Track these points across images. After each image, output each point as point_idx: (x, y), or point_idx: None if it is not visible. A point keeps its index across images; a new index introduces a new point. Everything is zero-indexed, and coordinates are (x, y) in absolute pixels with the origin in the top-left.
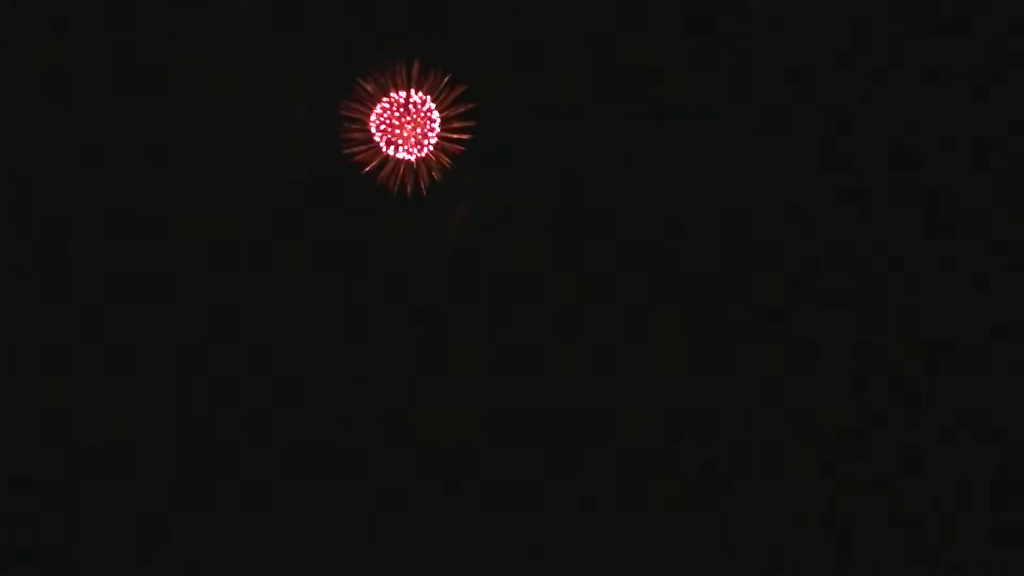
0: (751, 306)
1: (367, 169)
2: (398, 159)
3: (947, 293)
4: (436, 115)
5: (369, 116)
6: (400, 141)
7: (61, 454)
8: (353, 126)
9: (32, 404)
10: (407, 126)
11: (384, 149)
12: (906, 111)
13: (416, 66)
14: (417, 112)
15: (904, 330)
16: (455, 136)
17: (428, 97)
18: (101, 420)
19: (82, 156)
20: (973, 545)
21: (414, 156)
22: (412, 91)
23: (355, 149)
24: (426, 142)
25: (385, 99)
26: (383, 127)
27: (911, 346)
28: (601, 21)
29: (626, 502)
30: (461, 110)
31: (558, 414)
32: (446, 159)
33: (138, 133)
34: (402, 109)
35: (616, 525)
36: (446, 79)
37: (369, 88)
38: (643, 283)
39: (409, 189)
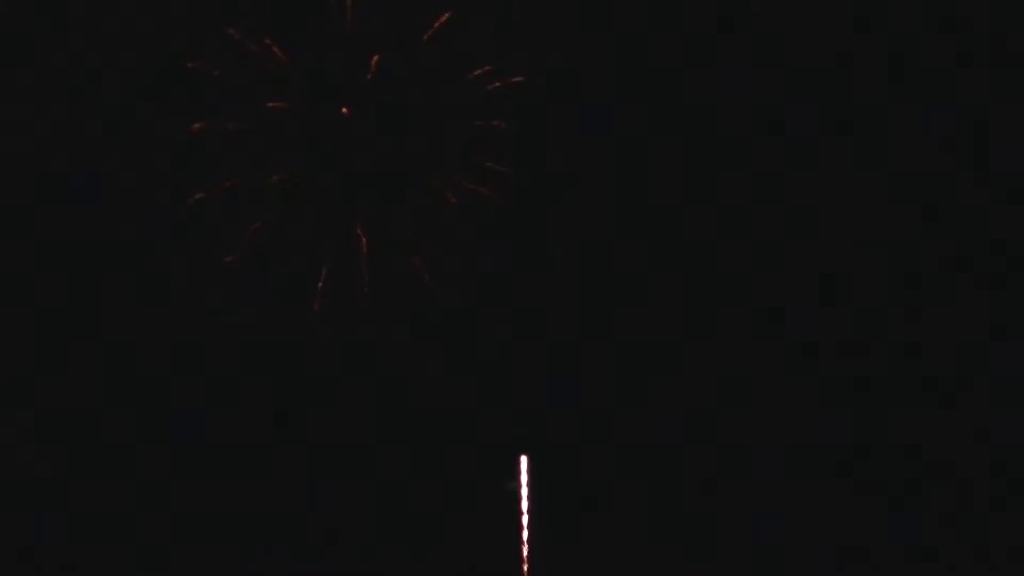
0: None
1: None
2: None
3: (947, 293)
4: None
5: None
6: None
7: None
8: None
9: None
10: None
11: None
12: (905, 111)
13: None
14: None
15: (904, 330)
16: None
17: None
18: None
19: None
20: (973, 545)
21: None
22: None
23: None
24: None
25: None
26: None
27: (911, 346)
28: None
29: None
30: None
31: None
32: None
33: None
34: None
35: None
36: None
37: None
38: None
39: None
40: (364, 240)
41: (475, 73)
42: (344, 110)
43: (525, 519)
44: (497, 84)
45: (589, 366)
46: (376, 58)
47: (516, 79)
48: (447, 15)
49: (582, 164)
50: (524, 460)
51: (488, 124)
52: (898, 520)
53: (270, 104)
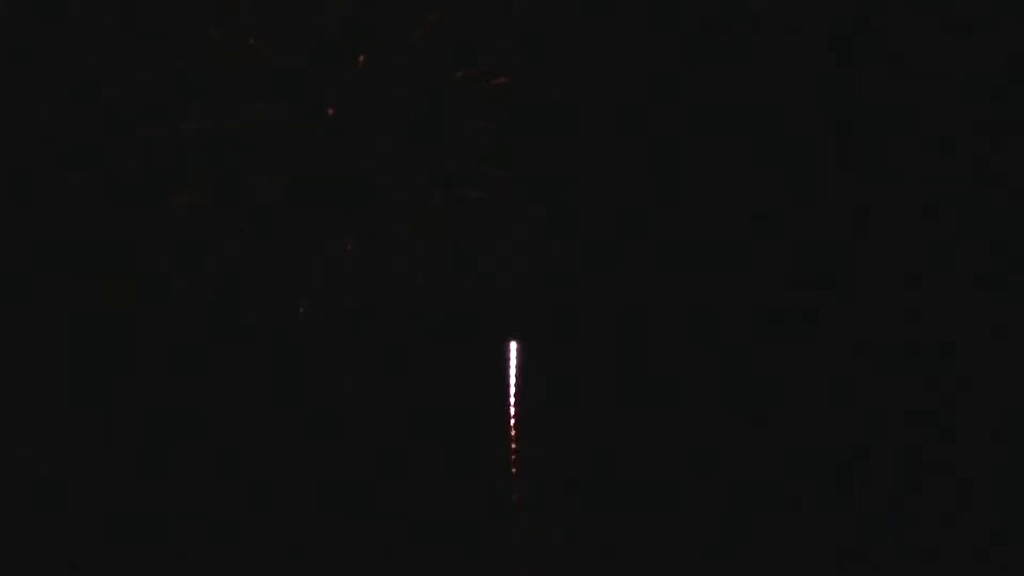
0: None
1: None
2: None
3: (947, 293)
4: None
5: None
6: None
7: None
8: None
9: None
10: None
11: None
12: (906, 111)
13: None
14: None
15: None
16: None
17: None
18: None
19: None
20: (973, 545)
21: None
22: None
23: None
24: None
25: None
26: None
27: (911, 346)
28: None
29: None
30: None
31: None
32: None
33: None
34: None
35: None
36: None
37: None
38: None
39: None
40: (350, 241)
41: (461, 74)
42: (330, 111)
43: (512, 409)
44: (484, 85)
45: (589, 367)
46: (363, 57)
47: (500, 80)
48: (435, 15)
49: (579, 164)
50: (513, 345)
51: (476, 125)
52: (898, 520)
53: (258, 105)
